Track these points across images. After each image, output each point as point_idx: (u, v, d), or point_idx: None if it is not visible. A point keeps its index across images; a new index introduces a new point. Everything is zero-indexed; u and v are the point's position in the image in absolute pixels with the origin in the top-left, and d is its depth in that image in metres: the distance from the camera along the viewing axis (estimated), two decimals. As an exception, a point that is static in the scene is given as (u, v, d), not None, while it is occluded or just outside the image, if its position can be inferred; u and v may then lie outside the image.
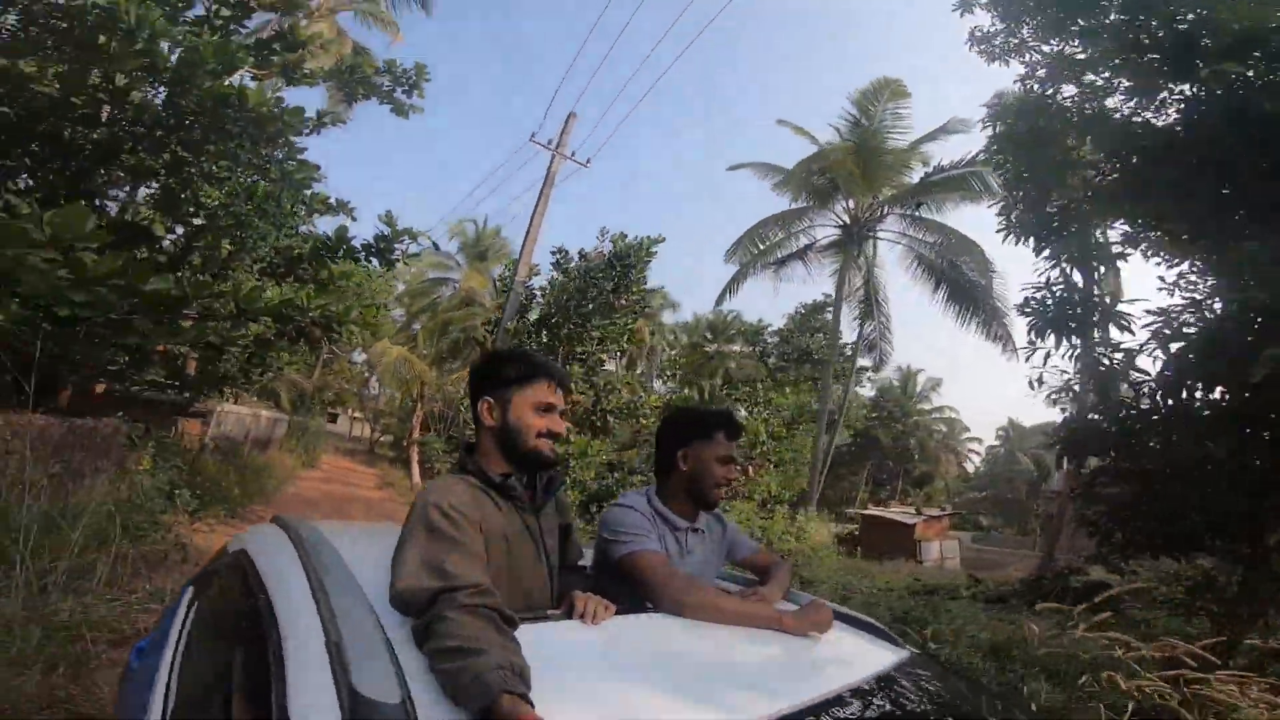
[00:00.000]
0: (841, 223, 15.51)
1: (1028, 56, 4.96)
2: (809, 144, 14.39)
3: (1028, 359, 3.61)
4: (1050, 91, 4.65)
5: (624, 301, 7.67)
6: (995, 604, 8.89)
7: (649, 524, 1.58)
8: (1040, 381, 3.73)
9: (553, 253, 8.71)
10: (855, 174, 12.97)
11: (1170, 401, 3.23)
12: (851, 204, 15.06)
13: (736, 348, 36.83)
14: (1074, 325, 3.43)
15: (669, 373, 10.04)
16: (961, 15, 5.29)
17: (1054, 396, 3.71)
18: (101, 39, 5.16)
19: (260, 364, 7.80)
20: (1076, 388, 3.61)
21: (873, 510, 22.01)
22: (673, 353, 27.51)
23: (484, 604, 0.97)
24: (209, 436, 10.02)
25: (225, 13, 6.52)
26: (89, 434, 4.54)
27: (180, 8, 5.90)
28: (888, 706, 1.17)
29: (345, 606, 1.00)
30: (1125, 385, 3.39)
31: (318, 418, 24.00)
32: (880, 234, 15.18)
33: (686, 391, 26.04)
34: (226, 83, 5.70)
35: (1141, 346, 3.35)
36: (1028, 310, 3.84)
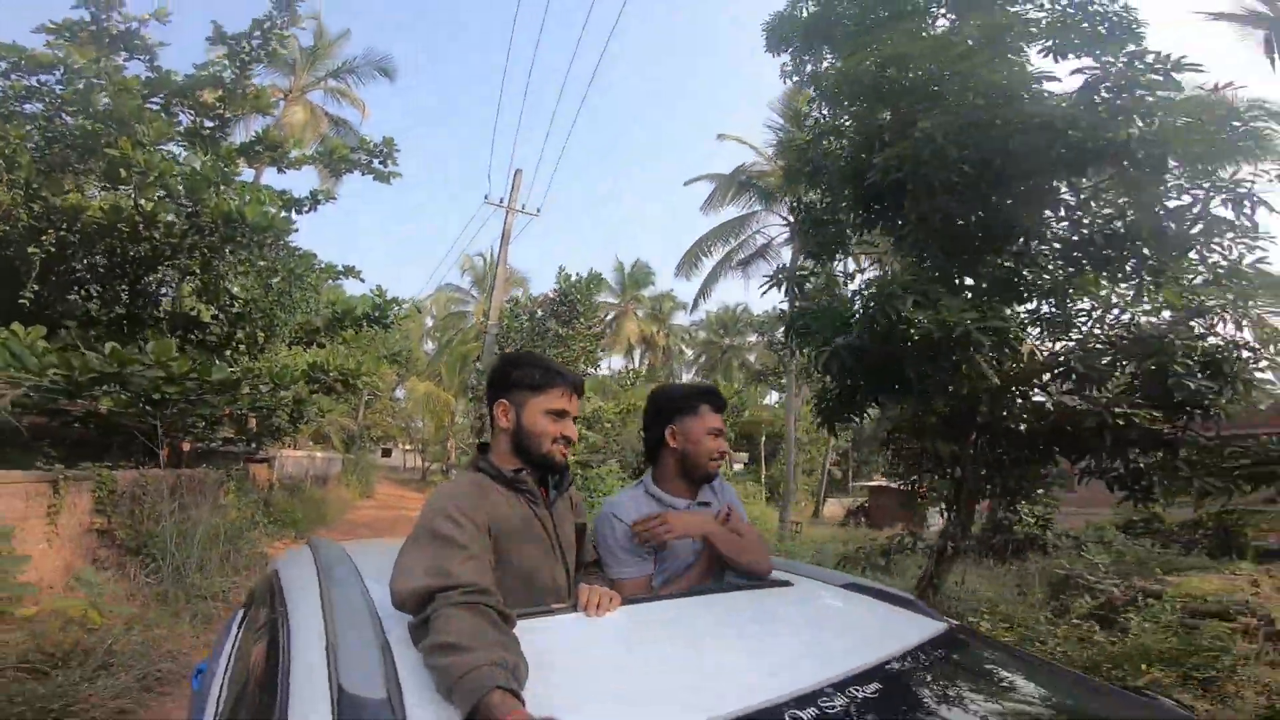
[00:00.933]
0: (788, 221, 16.71)
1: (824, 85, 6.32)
2: (752, 153, 15.94)
3: (791, 355, 5.12)
4: (820, 121, 6.09)
5: (573, 331, 9.43)
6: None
7: (625, 542, 1.55)
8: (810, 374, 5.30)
9: (506, 302, 10.58)
10: (779, 179, 14.37)
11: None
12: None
13: (752, 339, 37.91)
14: (816, 331, 4.91)
15: (628, 382, 11.49)
16: (775, 55, 6.71)
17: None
18: (122, 173, 6.73)
19: (301, 417, 9.87)
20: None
21: (878, 481, 22.85)
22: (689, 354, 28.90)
23: (480, 602, 0.98)
24: (275, 477, 12.28)
25: (209, 124, 8.07)
26: (191, 479, 6.58)
27: (172, 128, 7.31)
28: (923, 680, 1.14)
29: (346, 611, 1.05)
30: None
31: (368, 453, 26.66)
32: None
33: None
34: (229, 200, 7.19)
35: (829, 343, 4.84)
36: (785, 321, 5.38)
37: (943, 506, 6.07)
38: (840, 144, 5.95)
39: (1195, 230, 4.11)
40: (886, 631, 1.30)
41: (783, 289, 5.25)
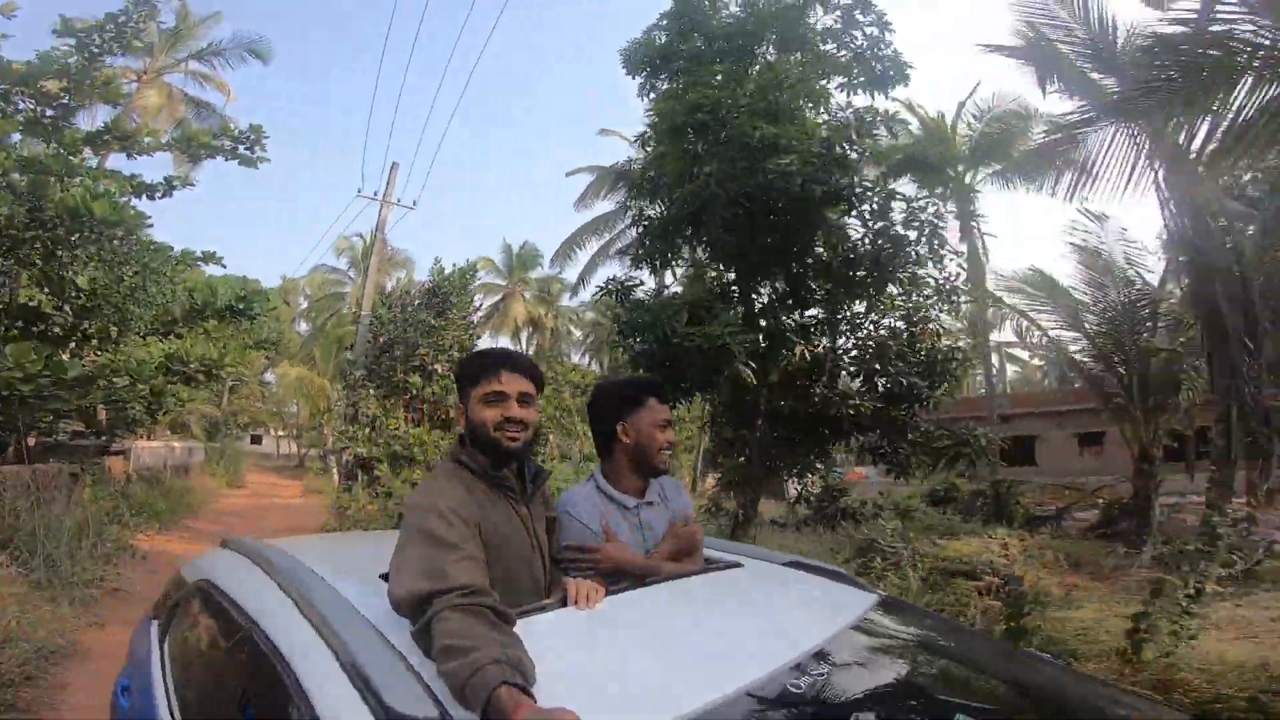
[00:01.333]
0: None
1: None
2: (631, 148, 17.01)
3: (623, 351, 6.24)
4: (659, 143, 7.19)
5: (447, 321, 9.97)
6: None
7: (583, 543, 1.56)
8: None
9: (378, 292, 10.87)
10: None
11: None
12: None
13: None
14: (650, 326, 6.07)
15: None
16: (634, 78, 7.69)
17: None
18: None
19: (159, 408, 9.66)
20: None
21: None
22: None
23: (478, 603, 0.99)
24: (131, 470, 11.80)
25: (51, 113, 7.42)
26: (45, 474, 6.61)
27: (12, 121, 6.82)
28: (880, 645, 1.26)
29: (344, 623, 1.03)
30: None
31: (234, 441, 25.20)
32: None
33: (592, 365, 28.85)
34: (74, 193, 6.82)
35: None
36: (615, 321, 6.54)
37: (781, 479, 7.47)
38: (675, 165, 7.11)
39: (898, 257, 5.64)
40: (839, 604, 1.41)
41: (614, 296, 6.32)
